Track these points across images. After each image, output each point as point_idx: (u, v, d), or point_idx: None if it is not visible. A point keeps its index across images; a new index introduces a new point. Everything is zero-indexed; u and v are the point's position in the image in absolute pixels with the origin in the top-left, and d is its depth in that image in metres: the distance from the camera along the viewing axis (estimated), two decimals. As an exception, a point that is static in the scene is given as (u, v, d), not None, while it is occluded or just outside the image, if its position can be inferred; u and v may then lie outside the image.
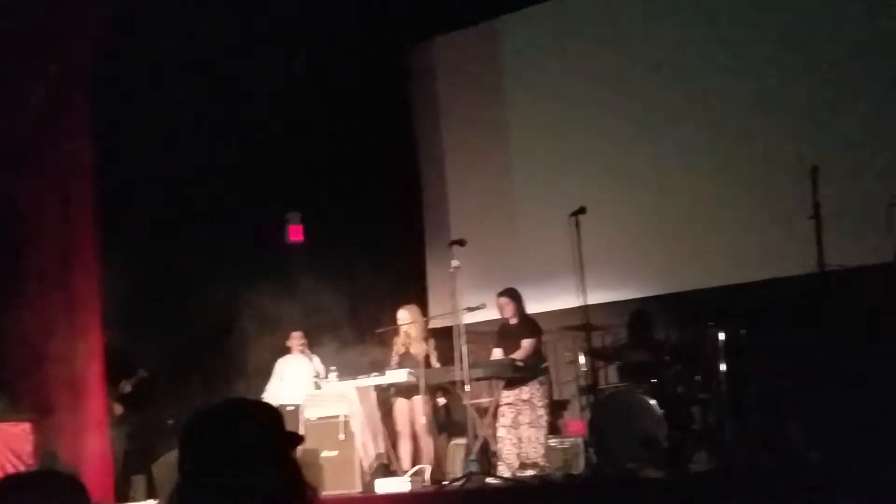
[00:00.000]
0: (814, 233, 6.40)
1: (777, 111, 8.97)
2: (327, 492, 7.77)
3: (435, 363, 8.46)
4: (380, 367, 9.06)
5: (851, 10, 8.67)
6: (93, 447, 8.54)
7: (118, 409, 9.57)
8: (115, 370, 9.28)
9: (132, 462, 9.94)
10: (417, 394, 8.51)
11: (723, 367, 7.12)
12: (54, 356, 8.27)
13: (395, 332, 8.95)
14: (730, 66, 9.31)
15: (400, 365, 8.70)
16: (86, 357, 8.66)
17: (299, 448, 2.26)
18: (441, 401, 8.72)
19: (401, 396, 8.74)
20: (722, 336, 7.17)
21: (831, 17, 8.80)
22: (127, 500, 8.79)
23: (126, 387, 9.99)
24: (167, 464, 8.08)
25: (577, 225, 7.49)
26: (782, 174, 8.53)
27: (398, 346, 8.91)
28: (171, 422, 10.17)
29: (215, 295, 9.94)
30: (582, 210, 7.63)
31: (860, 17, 8.61)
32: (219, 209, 10.26)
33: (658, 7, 9.85)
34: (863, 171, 8.22)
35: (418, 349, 8.71)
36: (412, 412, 8.66)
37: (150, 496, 8.83)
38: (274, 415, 2.19)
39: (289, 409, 8.76)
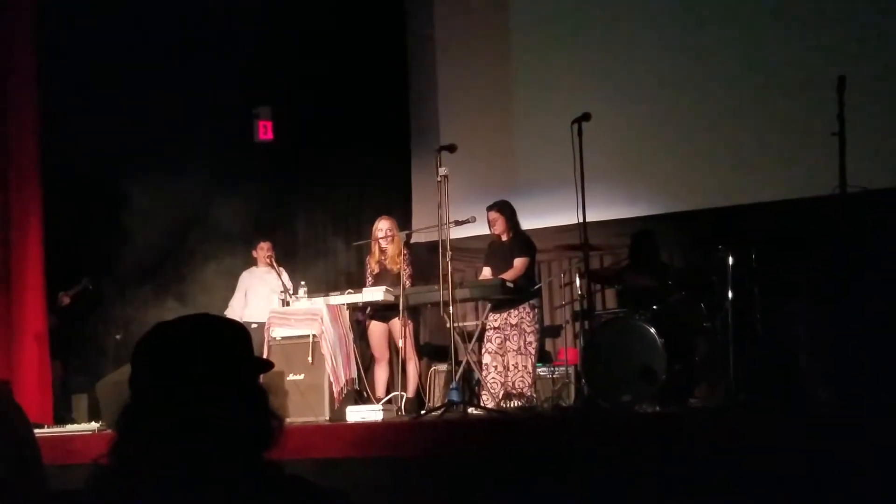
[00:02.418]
0: (836, 150, 6.53)
1: (802, 15, 9.08)
2: (292, 419, 7.86)
3: (405, 281, 8.55)
4: (354, 284, 9.22)
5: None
6: (29, 363, 8.66)
7: (54, 321, 9.61)
8: (55, 277, 9.38)
9: (73, 381, 10.09)
10: (395, 316, 8.67)
11: (731, 294, 7.28)
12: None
13: (370, 247, 9.07)
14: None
15: (374, 284, 8.86)
16: (22, 258, 8.74)
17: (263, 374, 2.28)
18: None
19: (376, 319, 8.91)
20: (731, 260, 7.28)
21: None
22: (67, 422, 8.84)
23: (65, 298, 10.07)
24: (112, 384, 8.07)
25: (580, 133, 7.45)
26: (806, 85, 8.71)
27: (372, 263, 9.06)
28: (118, 337, 10.33)
29: (173, 197, 10.02)
30: (586, 117, 7.55)
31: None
32: (179, 100, 10.29)
33: None
34: (892, 87, 8.40)
35: (394, 264, 8.85)
36: (389, 336, 8.87)
37: (92, 418, 8.89)
38: (241, 334, 2.22)
39: (253, 327, 8.87)
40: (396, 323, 8.73)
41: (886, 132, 8.34)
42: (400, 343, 8.46)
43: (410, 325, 8.71)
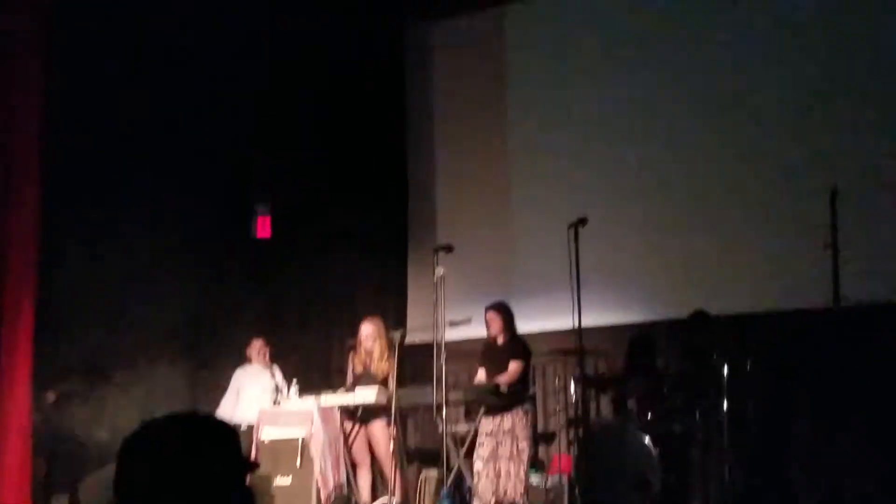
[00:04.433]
0: (830, 263, 6.63)
1: (798, 129, 9.26)
2: (279, 525, 7.76)
3: (391, 385, 8.50)
4: (347, 383, 9.21)
5: (880, 33, 8.96)
6: (11, 459, 8.58)
7: (39, 417, 9.63)
8: (42, 373, 9.40)
9: (54, 479, 10.02)
10: (376, 417, 8.68)
11: (726, 404, 7.31)
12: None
13: (355, 347, 9.08)
14: (749, 80, 9.60)
15: (355, 385, 8.85)
16: (12, 351, 8.74)
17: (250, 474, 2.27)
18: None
19: (362, 420, 8.84)
20: (727, 371, 7.34)
21: (856, 38, 9.09)
22: None
23: (50, 396, 10.06)
24: (95, 484, 8.09)
25: (577, 237, 7.52)
26: (801, 198, 8.85)
27: (356, 363, 9.05)
28: (103, 436, 10.29)
29: (166, 294, 10.05)
30: (583, 221, 7.59)
31: (888, 41, 8.91)
32: (177, 195, 10.39)
33: (675, 12, 10.10)
34: (886, 201, 8.55)
35: (379, 368, 8.84)
36: (371, 439, 8.83)
37: None
38: (229, 434, 2.23)
39: (242, 429, 8.83)
40: (376, 426, 8.74)
41: (881, 247, 8.44)
42: (390, 447, 8.42)
43: (393, 430, 8.64)
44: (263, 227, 11.09)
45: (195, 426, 2.21)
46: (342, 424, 8.84)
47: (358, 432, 8.88)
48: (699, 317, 8.30)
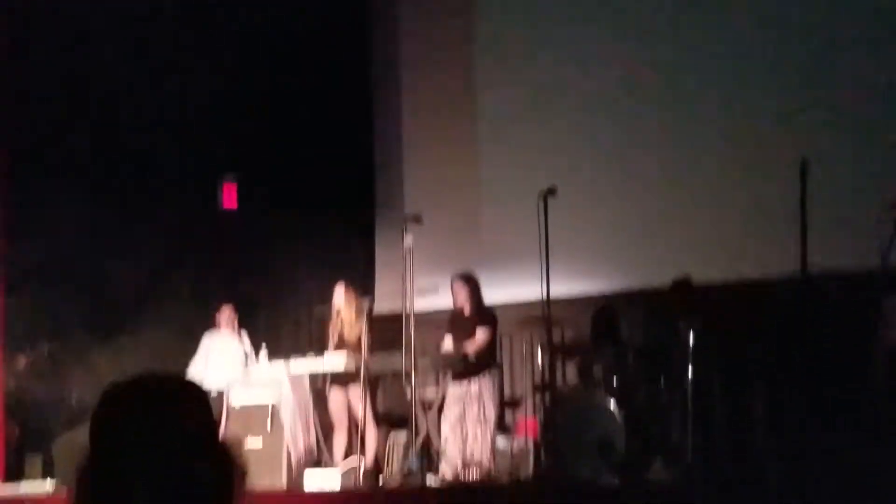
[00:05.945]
0: (798, 232, 6.57)
1: (768, 100, 9.24)
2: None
3: (365, 350, 8.48)
4: (315, 348, 9.13)
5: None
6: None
7: (11, 381, 9.55)
8: (13, 337, 9.26)
9: (28, 439, 9.95)
10: (354, 382, 8.61)
11: (690, 372, 7.27)
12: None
13: (332, 314, 9.03)
14: (719, 50, 9.59)
15: (336, 350, 8.78)
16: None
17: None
18: None
19: (336, 385, 8.83)
20: (692, 339, 7.30)
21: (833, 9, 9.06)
22: (20, 478, 8.86)
23: (21, 361, 9.97)
24: (67, 443, 8.20)
25: (546, 207, 7.48)
26: (769, 168, 8.80)
27: (333, 331, 9.00)
28: (73, 399, 10.19)
29: (136, 259, 9.91)
30: (552, 191, 7.56)
31: (862, 11, 8.87)
32: (145, 165, 10.24)
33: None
34: (857, 172, 8.52)
35: (352, 333, 8.79)
36: (348, 402, 8.78)
37: (45, 475, 8.87)
38: (200, 393, 2.16)
39: (213, 396, 8.81)
40: (354, 389, 8.66)
41: (848, 214, 8.40)
42: (358, 410, 8.37)
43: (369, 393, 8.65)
44: (230, 197, 10.97)
45: (166, 384, 2.13)
46: (324, 387, 8.78)
47: (337, 395, 8.81)
48: (682, 285, 8.21)
